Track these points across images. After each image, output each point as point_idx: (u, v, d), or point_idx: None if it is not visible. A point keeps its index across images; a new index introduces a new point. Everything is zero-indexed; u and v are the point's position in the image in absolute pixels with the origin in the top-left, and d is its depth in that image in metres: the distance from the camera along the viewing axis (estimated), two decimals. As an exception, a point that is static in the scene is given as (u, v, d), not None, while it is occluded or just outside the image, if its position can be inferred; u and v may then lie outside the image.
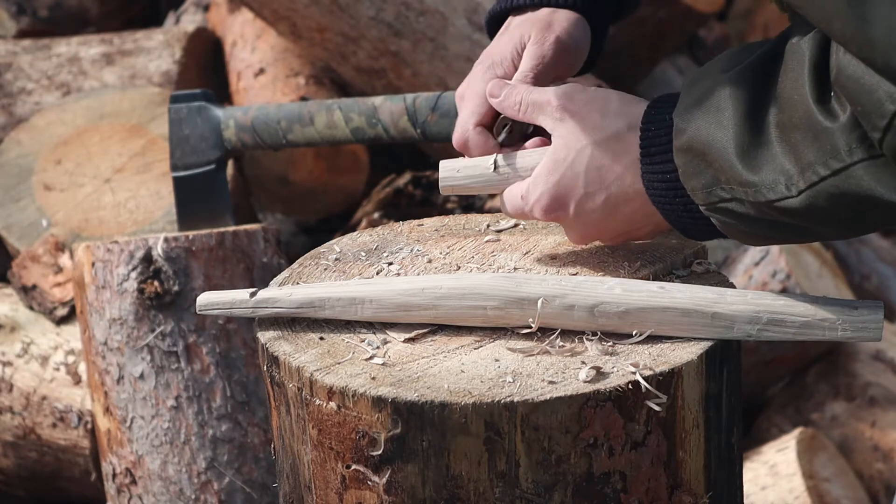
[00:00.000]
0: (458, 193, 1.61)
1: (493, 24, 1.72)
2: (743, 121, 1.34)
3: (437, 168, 2.80)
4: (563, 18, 1.64)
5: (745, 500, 1.92)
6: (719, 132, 1.35)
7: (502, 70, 1.63)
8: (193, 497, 2.28)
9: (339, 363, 1.40)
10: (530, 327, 1.43)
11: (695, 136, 1.37)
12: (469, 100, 1.61)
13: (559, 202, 1.49)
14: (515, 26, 1.66)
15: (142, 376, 2.30)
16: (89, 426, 2.52)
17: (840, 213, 1.31)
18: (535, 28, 1.64)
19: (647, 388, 1.33)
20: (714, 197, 1.38)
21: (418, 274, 1.55)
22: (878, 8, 1.18)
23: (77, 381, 2.53)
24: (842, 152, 1.27)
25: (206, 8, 3.35)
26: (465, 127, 1.59)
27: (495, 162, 1.55)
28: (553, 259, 1.57)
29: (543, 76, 1.61)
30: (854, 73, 1.23)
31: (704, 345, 1.40)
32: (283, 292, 1.48)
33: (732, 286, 1.48)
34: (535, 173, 1.51)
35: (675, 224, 1.46)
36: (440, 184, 1.58)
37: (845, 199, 1.29)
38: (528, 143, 1.58)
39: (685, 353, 1.39)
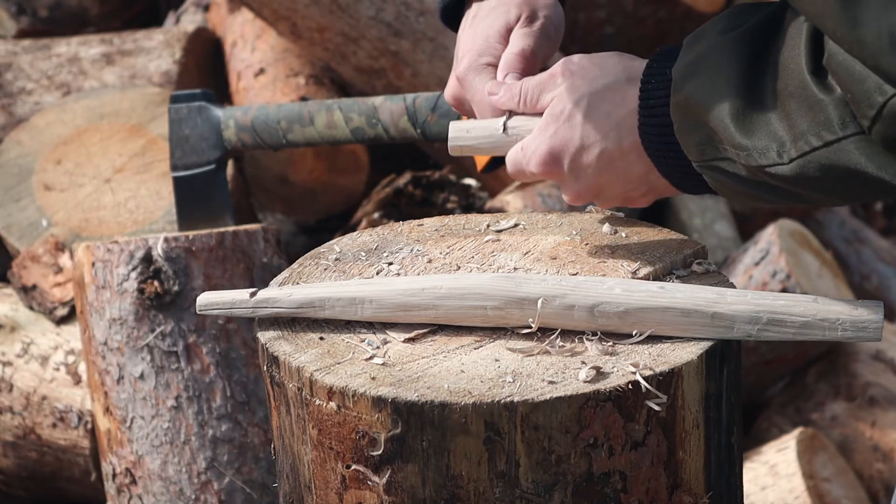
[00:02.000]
0: (467, 154, 1.61)
1: (449, 12, 1.71)
2: (740, 84, 1.35)
3: (437, 168, 2.81)
4: (542, 4, 1.64)
5: (745, 500, 1.92)
6: (716, 93, 1.36)
7: (492, 58, 1.62)
8: (193, 497, 2.28)
9: (339, 363, 1.40)
10: (530, 327, 1.43)
11: (691, 95, 1.38)
12: (480, 100, 1.62)
13: (555, 155, 1.49)
14: (490, 12, 1.65)
15: (142, 376, 2.30)
16: (89, 426, 2.52)
17: (828, 183, 1.32)
18: (522, 12, 1.63)
19: (647, 387, 1.33)
20: (707, 155, 1.39)
21: (418, 274, 1.55)
22: (869, 10, 1.19)
23: (77, 381, 2.53)
24: (835, 125, 1.29)
25: (206, 8, 3.36)
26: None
27: (505, 124, 1.56)
28: (553, 259, 1.57)
29: (534, 59, 1.61)
30: (844, 61, 1.24)
31: (704, 345, 1.40)
32: (283, 292, 1.48)
33: (732, 286, 1.48)
34: (535, 129, 1.52)
35: (668, 177, 1.47)
36: (449, 143, 1.59)
37: (835, 170, 1.30)
38: None
39: (685, 353, 1.39)
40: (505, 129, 1.56)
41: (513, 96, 1.55)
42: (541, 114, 1.54)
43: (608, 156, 1.47)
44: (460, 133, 1.59)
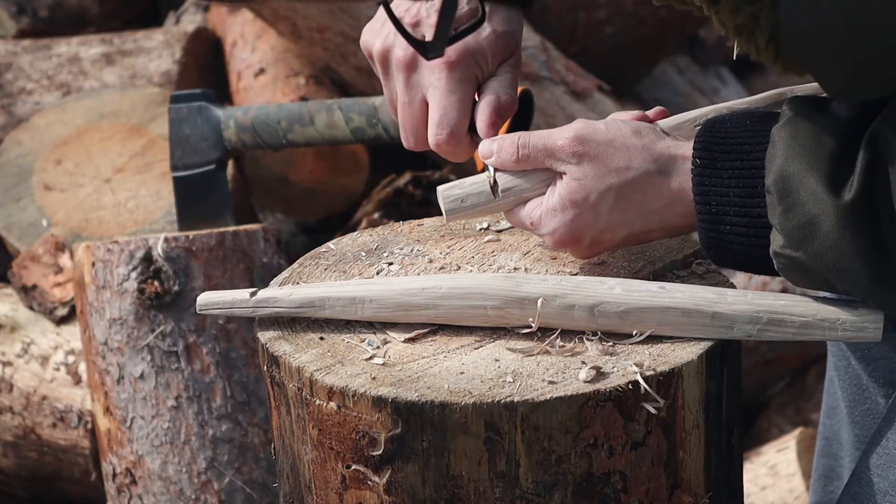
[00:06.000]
0: (463, 220, 1.59)
1: None
2: (870, 250, 1.32)
3: (437, 168, 2.80)
4: (517, 23, 1.60)
5: (745, 500, 1.92)
6: (847, 262, 1.33)
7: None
8: (193, 497, 2.28)
9: (339, 363, 1.40)
10: (530, 327, 1.43)
11: (816, 259, 1.34)
12: (447, 104, 1.57)
13: (575, 237, 1.47)
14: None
15: (142, 376, 2.30)
16: (89, 426, 2.52)
17: None
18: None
19: (646, 389, 1.33)
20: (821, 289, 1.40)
21: (418, 274, 1.55)
22: None
23: (77, 381, 2.53)
24: None
25: (207, 8, 3.35)
26: (458, 131, 1.56)
27: (493, 187, 1.51)
28: (553, 259, 1.57)
29: (505, 76, 1.58)
30: None
31: (704, 345, 1.40)
32: (283, 292, 1.48)
33: (732, 286, 1.48)
34: (546, 207, 1.47)
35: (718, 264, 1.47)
36: (446, 217, 1.53)
37: None
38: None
39: (685, 353, 1.39)
40: (496, 192, 1.50)
41: (510, 156, 1.49)
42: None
43: (634, 237, 1.47)
44: (456, 204, 1.51)
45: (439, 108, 1.57)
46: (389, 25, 1.58)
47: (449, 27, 1.40)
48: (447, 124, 1.57)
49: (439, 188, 1.53)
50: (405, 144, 1.62)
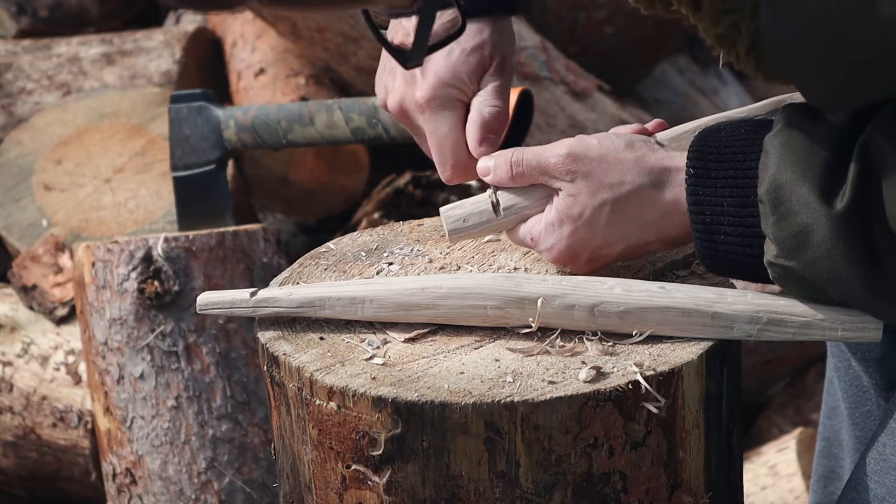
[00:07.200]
0: (465, 239, 1.59)
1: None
2: (863, 259, 1.31)
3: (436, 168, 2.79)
4: (508, 40, 1.59)
5: (745, 500, 1.92)
6: (841, 272, 1.32)
7: (458, 91, 1.58)
8: (193, 497, 2.28)
9: (339, 363, 1.40)
10: (530, 327, 1.43)
11: (809, 269, 1.34)
12: (437, 143, 1.59)
13: (573, 253, 1.47)
14: (462, 42, 1.59)
15: (142, 376, 2.30)
16: (89, 426, 2.52)
17: None
18: (496, 56, 1.59)
19: (646, 388, 1.33)
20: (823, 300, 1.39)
21: (418, 274, 1.55)
22: None
23: (77, 381, 2.53)
24: None
25: (206, 8, 3.35)
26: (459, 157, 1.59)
27: (495, 205, 1.52)
28: (553, 259, 1.57)
29: (507, 117, 1.59)
30: None
31: (704, 345, 1.40)
32: (283, 292, 1.48)
33: (732, 286, 1.48)
34: (545, 222, 1.48)
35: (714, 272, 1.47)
36: (448, 236, 1.54)
37: None
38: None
39: (685, 353, 1.39)
40: (497, 211, 1.51)
41: (506, 174, 1.50)
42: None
43: (632, 250, 1.47)
44: (458, 224, 1.53)
45: (434, 150, 1.61)
46: (394, 70, 1.61)
47: (427, 35, 1.40)
48: (445, 163, 1.61)
49: (442, 209, 1.54)
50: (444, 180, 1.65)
